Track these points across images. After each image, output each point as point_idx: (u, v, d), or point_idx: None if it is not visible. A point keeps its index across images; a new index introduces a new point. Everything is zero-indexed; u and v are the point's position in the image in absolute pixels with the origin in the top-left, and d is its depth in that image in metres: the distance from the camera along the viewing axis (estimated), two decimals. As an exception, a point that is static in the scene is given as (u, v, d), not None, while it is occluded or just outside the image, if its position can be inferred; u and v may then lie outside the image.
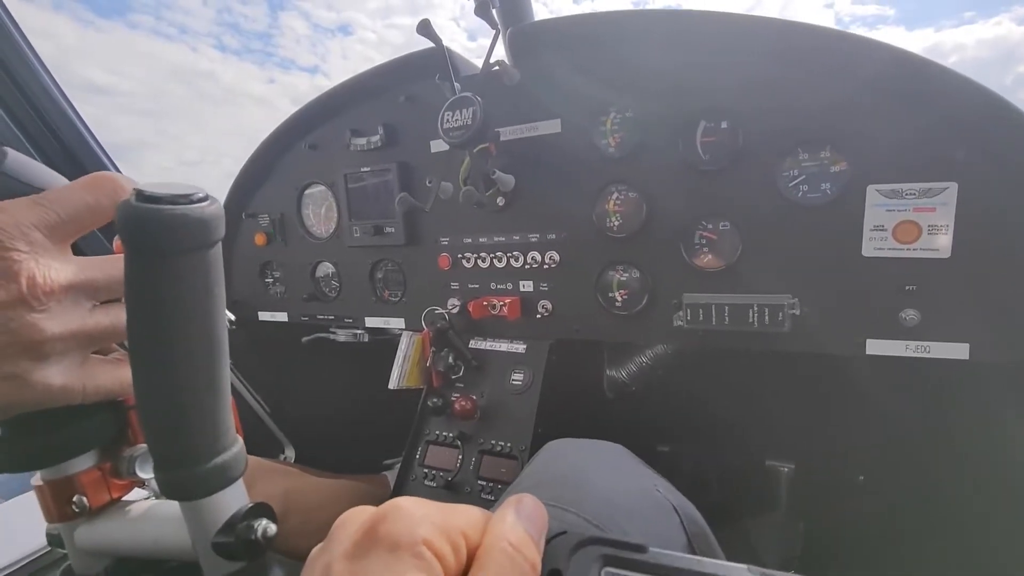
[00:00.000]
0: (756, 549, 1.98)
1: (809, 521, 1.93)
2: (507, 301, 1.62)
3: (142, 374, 0.49)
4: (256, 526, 0.58)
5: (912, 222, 1.18)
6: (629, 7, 1.38)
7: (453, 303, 1.73)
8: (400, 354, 1.68)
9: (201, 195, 0.48)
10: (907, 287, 1.20)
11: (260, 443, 2.36)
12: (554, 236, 1.57)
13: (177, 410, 0.51)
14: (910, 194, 1.17)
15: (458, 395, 1.62)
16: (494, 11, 1.47)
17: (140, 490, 0.75)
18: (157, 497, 0.76)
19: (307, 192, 2.00)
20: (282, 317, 2.16)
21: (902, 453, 1.76)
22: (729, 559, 0.92)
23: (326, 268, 2.03)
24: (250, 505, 0.59)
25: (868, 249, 1.22)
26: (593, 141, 1.47)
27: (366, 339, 2.04)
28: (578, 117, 1.48)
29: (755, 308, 1.29)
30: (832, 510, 1.92)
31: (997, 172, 1.10)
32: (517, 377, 1.61)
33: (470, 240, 1.69)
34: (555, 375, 1.62)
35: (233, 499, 0.58)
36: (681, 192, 1.39)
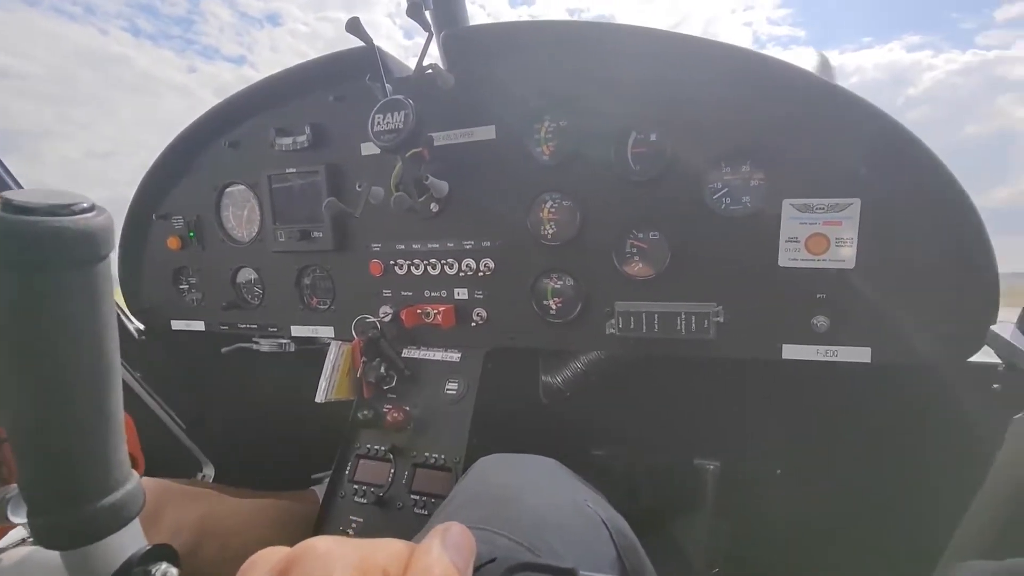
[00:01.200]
0: (685, 552, 2.05)
1: (734, 520, 2.03)
2: (441, 309, 1.59)
3: (14, 403, 0.43)
4: (154, 572, 0.52)
5: (822, 234, 1.26)
6: (564, 17, 1.39)
7: (385, 311, 1.67)
8: (328, 365, 1.61)
9: (86, 205, 0.43)
10: (818, 295, 1.28)
11: (174, 462, 2.19)
12: (489, 243, 1.55)
13: (57, 444, 0.44)
14: (820, 208, 1.25)
15: (390, 406, 1.57)
16: (427, 13, 1.44)
17: (23, 530, 0.66)
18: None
19: (227, 193, 1.87)
20: (198, 326, 2.02)
21: (816, 446, 1.89)
22: (658, 566, 0.94)
23: (248, 274, 1.91)
24: (147, 548, 0.52)
25: (784, 259, 1.29)
26: (528, 149, 1.47)
27: (292, 349, 1.94)
28: (513, 124, 1.48)
29: (683, 316, 1.34)
30: (754, 505, 2.02)
31: (894, 189, 1.19)
32: (452, 386, 1.58)
33: (403, 246, 1.65)
34: (491, 383, 1.60)
35: (127, 543, 0.51)
36: (613, 201, 1.42)
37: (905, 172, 1.17)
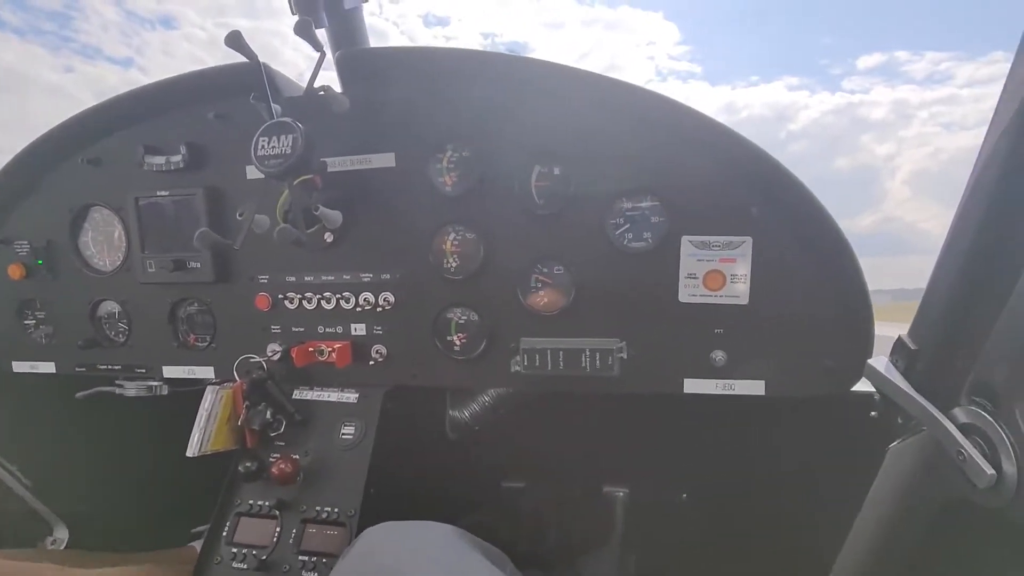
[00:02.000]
0: None
1: (641, 551, 2.03)
2: (337, 346, 1.47)
3: None
4: None
5: (719, 271, 1.29)
6: (477, 40, 1.35)
7: (274, 349, 1.52)
8: (202, 414, 1.41)
9: None
10: (716, 330, 1.31)
11: (14, 527, 1.85)
12: (388, 276, 1.46)
13: None
14: (716, 246, 1.28)
15: (277, 456, 1.41)
16: (323, 31, 1.35)
17: None
18: None
19: (83, 215, 1.64)
20: (48, 367, 1.74)
21: (719, 471, 1.94)
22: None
23: (110, 308, 1.67)
24: None
25: (684, 295, 1.31)
26: (430, 178, 1.40)
27: (165, 391, 1.72)
28: (414, 152, 1.40)
29: (587, 353, 1.31)
30: (660, 532, 2.04)
31: (781, 231, 1.25)
32: (348, 430, 1.46)
33: (294, 278, 1.51)
34: (391, 425, 1.49)
35: None
36: (518, 235, 1.38)
37: (791, 215, 1.23)
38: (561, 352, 1.32)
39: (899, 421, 1.18)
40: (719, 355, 1.31)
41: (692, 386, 1.34)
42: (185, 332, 1.64)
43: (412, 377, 1.49)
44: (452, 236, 1.42)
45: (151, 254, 1.56)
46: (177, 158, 1.51)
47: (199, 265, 1.53)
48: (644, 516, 2.04)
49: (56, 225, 1.64)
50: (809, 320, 1.26)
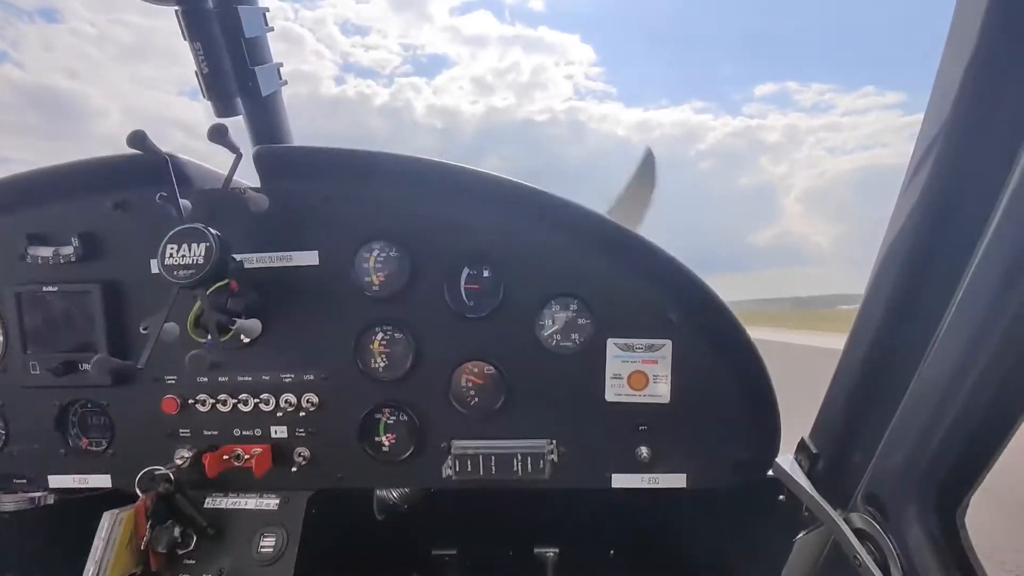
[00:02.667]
0: None
1: None
2: (256, 451, 1.38)
3: None
4: None
5: (642, 372, 1.35)
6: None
7: (182, 455, 1.40)
8: (98, 544, 1.26)
9: None
10: (640, 427, 1.37)
11: None
12: (312, 377, 1.40)
13: None
14: (639, 348, 1.35)
15: (186, 577, 1.30)
16: (244, 122, 1.28)
17: None
18: None
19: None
20: None
21: (647, 527, 2.00)
22: None
23: (-16, 411, 1.47)
24: None
25: (610, 394, 1.36)
26: (356, 278, 1.36)
27: (50, 501, 1.53)
28: (339, 251, 1.36)
29: (519, 457, 1.33)
30: None
31: (698, 334, 1.33)
32: (268, 541, 1.37)
33: (206, 379, 1.41)
34: (315, 525, 1.42)
35: None
36: (448, 335, 1.37)
37: (706, 322, 1.32)
38: (493, 456, 1.33)
39: (805, 513, 1.28)
40: (644, 451, 1.36)
41: (619, 481, 1.39)
42: (76, 436, 1.48)
43: (338, 480, 1.43)
44: (380, 336, 1.38)
45: (35, 354, 1.40)
46: (68, 250, 1.37)
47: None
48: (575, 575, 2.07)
49: None
50: (723, 417, 1.35)
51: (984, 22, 0.76)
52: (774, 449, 1.34)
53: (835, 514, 1.17)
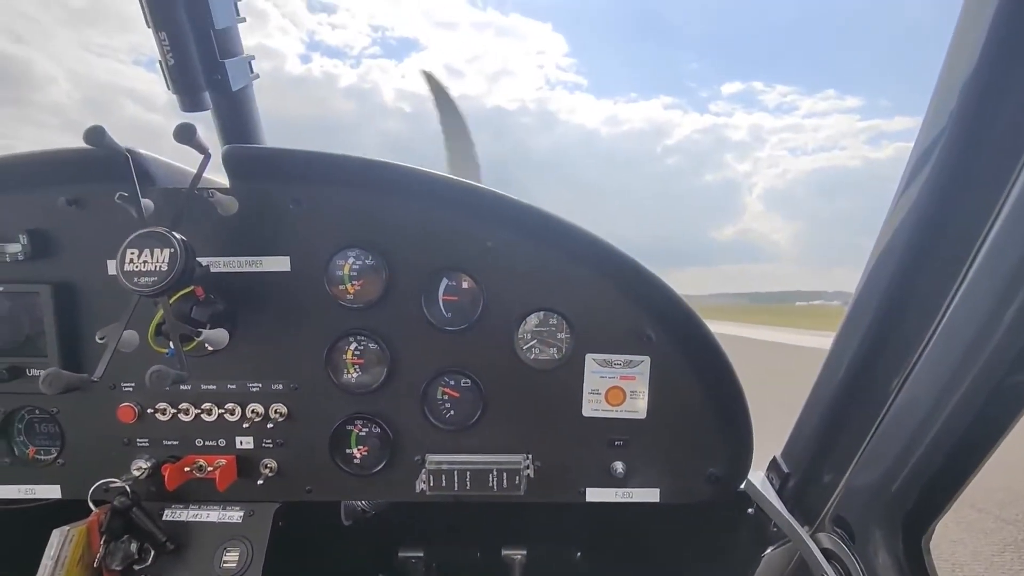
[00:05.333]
0: None
1: None
2: (220, 462, 1.33)
3: None
4: None
5: (619, 387, 1.35)
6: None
7: (139, 466, 1.33)
8: (48, 561, 1.19)
9: None
10: (616, 442, 1.37)
11: None
12: (281, 386, 1.34)
13: None
14: (617, 364, 1.34)
15: (142, 595, 1.24)
16: (214, 124, 1.21)
17: None
18: None
19: None
20: None
21: (615, 532, 2.02)
22: None
23: (-83, 417, 1.37)
24: None
25: (587, 409, 1.36)
26: (329, 286, 1.31)
27: None
28: (312, 257, 1.31)
29: (495, 472, 1.31)
30: None
31: (675, 352, 1.33)
32: (231, 557, 1.32)
33: (167, 388, 1.33)
34: (282, 538, 1.38)
35: None
36: (424, 347, 1.34)
37: (683, 340, 1.32)
38: (468, 472, 1.31)
39: (773, 529, 1.31)
40: (619, 466, 1.37)
41: (594, 495, 1.39)
42: (23, 444, 1.39)
43: (307, 492, 1.39)
44: (354, 346, 1.34)
45: (-24, 358, 1.30)
46: (16, 248, 1.27)
47: (41, 373, 1.29)
48: None
49: None
50: (698, 433, 1.36)
51: (987, 37, 0.76)
52: (746, 466, 1.37)
53: (804, 533, 1.20)
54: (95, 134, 1.07)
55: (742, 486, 1.39)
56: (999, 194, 0.77)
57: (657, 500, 1.39)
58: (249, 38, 1.38)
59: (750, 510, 1.48)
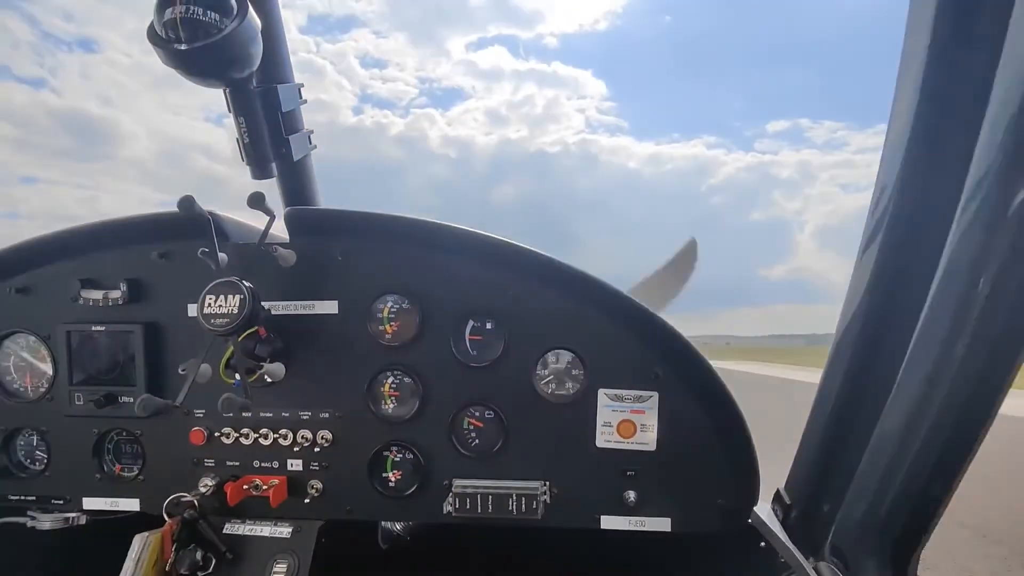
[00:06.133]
0: None
1: None
2: (273, 482, 1.50)
3: None
4: None
5: (630, 421, 1.46)
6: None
7: (206, 483, 1.52)
8: (130, 563, 1.38)
9: None
10: (628, 472, 1.47)
11: None
12: (327, 415, 1.52)
13: None
14: (628, 399, 1.46)
15: (205, 600, 1.41)
16: (276, 185, 1.43)
17: None
18: None
19: (6, 342, 1.60)
20: None
21: (633, 566, 2.06)
22: None
23: (29, 436, 1.62)
24: None
25: (600, 441, 1.47)
26: (370, 327, 1.50)
27: (83, 522, 1.66)
28: (356, 302, 1.50)
29: (514, 497, 1.44)
30: None
31: (683, 388, 1.44)
32: (280, 568, 1.47)
33: (231, 414, 1.54)
34: (325, 550, 1.53)
35: None
36: (452, 381, 1.50)
37: (689, 378, 1.43)
38: (491, 496, 1.44)
39: (781, 560, 1.36)
40: (631, 495, 1.46)
41: (608, 523, 1.48)
42: (111, 462, 1.61)
43: (347, 512, 1.54)
44: (391, 380, 1.51)
45: (79, 387, 1.55)
46: (117, 294, 1.52)
47: (132, 400, 1.53)
48: None
49: None
50: (705, 465, 1.45)
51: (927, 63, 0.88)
52: (753, 498, 1.43)
53: (806, 563, 1.26)
54: (186, 203, 1.31)
55: (750, 516, 1.45)
56: (949, 222, 0.87)
57: (668, 529, 1.47)
58: (307, 93, 1.59)
59: (763, 543, 1.54)
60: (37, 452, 1.63)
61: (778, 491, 1.40)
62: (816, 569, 1.23)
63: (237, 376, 1.37)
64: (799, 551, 1.28)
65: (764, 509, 1.46)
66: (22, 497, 1.62)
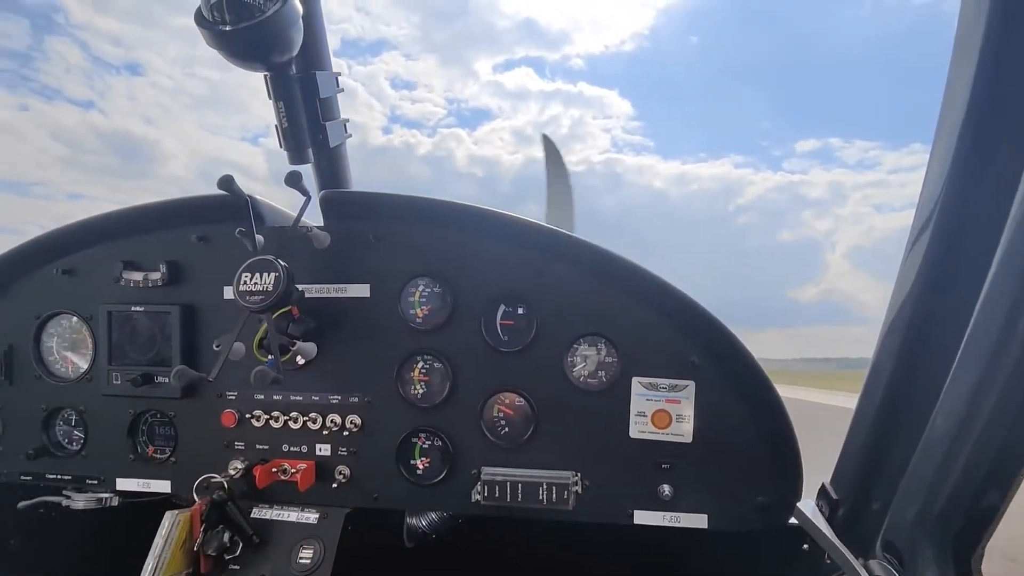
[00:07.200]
0: None
1: None
2: (301, 467, 1.49)
3: None
4: None
5: (665, 411, 1.41)
6: (444, 197, 1.48)
7: (236, 466, 1.52)
8: (159, 541, 1.38)
9: None
10: (663, 465, 1.42)
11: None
12: (356, 399, 1.52)
13: None
14: (663, 388, 1.41)
15: (231, 582, 1.40)
16: (311, 169, 1.45)
17: None
18: None
19: (50, 323, 1.64)
20: None
21: (670, 567, 1.98)
22: None
23: (68, 416, 1.65)
24: None
25: (634, 431, 1.42)
26: (402, 310, 1.49)
27: (115, 503, 1.67)
28: (388, 285, 1.50)
29: (544, 486, 1.39)
30: None
31: (720, 377, 1.39)
32: (306, 554, 1.46)
33: (262, 397, 1.55)
34: (349, 543, 1.50)
35: None
36: (483, 367, 1.48)
37: (728, 365, 1.38)
38: (520, 484, 1.40)
39: (827, 560, 1.29)
40: (666, 488, 1.41)
41: (641, 518, 1.43)
42: (144, 444, 1.63)
43: (374, 500, 1.52)
44: (420, 365, 1.50)
45: (117, 366, 1.58)
46: (156, 275, 1.55)
47: (167, 380, 1.55)
48: None
49: (18, 330, 1.64)
50: (745, 460, 1.38)
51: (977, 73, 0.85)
52: (796, 494, 1.36)
53: (856, 562, 1.18)
54: (226, 181, 1.33)
55: (793, 516, 1.38)
56: (1007, 208, 0.82)
57: (705, 526, 1.40)
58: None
59: (805, 546, 1.45)
60: (75, 432, 1.66)
61: (823, 486, 1.33)
62: (867, 567, 1.15)
63: (269, 356, 1.37)
64: (847, 548, 1.20)
65: (807, 506, 1.38)
66: (58, 476, 1.65)
